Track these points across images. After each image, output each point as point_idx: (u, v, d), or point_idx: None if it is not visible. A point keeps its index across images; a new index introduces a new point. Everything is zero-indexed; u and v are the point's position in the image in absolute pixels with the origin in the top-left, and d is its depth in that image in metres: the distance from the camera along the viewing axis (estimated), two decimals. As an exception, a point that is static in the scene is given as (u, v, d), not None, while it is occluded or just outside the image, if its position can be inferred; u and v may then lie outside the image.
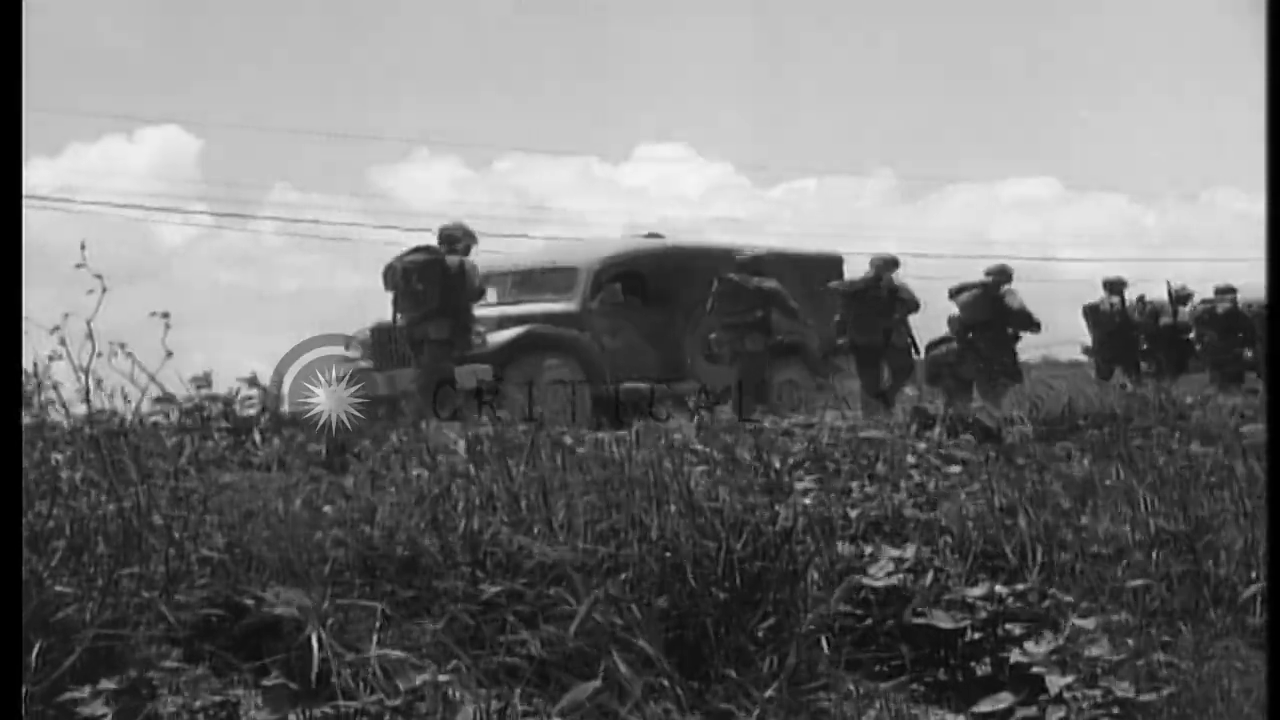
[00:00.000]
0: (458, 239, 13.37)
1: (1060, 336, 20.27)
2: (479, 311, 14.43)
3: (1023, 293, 16.67)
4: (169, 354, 5.09)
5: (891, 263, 16.23)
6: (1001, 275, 16.53)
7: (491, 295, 15.95)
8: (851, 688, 4.73)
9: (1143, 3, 79.28)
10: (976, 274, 17.10)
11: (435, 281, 13.09)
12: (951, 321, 16.79)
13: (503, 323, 15.26)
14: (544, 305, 15.99)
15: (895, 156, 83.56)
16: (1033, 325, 16.55)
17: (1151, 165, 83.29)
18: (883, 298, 15.87)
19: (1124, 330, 19.23)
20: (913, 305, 16.08)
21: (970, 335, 16.40)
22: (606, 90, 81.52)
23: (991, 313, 16.24)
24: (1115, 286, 19.45)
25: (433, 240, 13.51)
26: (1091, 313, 19.46)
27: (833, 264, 18.08)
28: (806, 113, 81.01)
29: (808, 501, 5.89)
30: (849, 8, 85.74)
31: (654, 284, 16.86)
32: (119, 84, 69.71)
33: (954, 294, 16.67)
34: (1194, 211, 73.38)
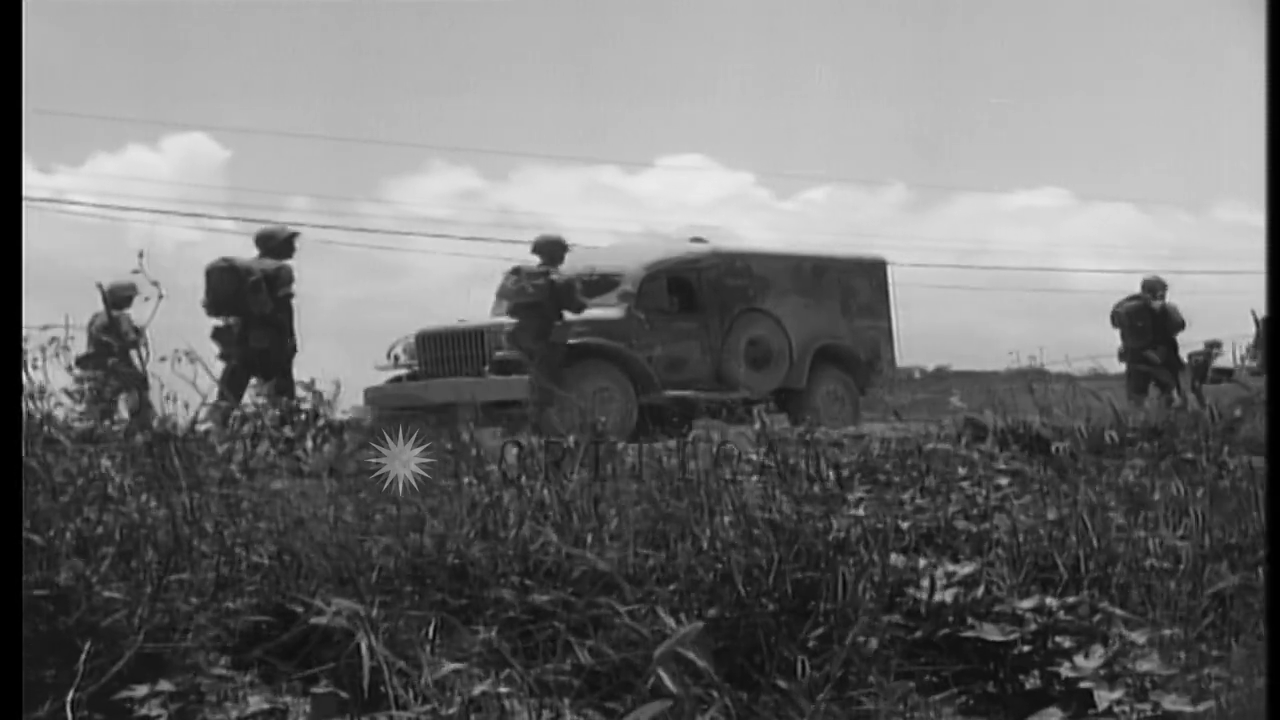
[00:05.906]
0: (1158, 288, 17.82)
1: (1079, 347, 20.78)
2: None
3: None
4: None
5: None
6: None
7: None
8: (900, 698, 4.69)
9: (1153, 14, 78.98)
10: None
11: (1149, 319, 17.61)
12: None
13: None
14: None
15: (907, 166, 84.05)
16: None
17: (1160, 176, 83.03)
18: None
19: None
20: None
21: None
22: (628, 101, 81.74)
23: None
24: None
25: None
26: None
27: None
28: (825, 123, 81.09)
29: (860, 512, 5.83)
30: (867, 19, 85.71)
31: None
32: (143, 91, 70.16)
33: (1261, 322, 19.67)
34: (1201, 223, 73.06)
